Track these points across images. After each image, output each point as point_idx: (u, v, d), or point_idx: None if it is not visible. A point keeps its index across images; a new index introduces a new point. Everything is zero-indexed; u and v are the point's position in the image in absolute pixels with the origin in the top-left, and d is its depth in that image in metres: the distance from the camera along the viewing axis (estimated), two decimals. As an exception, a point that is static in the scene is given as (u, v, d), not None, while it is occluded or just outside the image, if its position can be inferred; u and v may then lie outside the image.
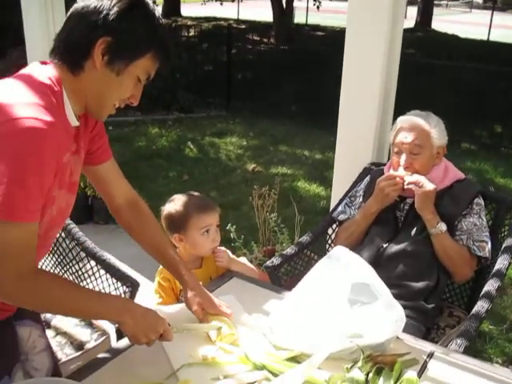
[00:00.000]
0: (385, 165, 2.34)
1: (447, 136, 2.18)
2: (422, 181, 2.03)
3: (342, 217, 2.36)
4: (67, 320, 2.01)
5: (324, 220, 2.45)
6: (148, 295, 2.00)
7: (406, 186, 2.06)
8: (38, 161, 1.16)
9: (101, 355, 1.48)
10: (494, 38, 15.52)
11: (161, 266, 1.90)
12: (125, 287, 1.98)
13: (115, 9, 1.26)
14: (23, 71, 1.31)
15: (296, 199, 4.73)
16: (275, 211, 2.94)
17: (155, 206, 1.87)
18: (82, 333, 1.97)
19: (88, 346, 1.92)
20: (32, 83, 1.25)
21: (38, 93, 1.22)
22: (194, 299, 1.59)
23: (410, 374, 1.41)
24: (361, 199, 2.32)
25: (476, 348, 2.79)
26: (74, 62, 1.29)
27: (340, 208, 2.40)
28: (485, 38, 15.42)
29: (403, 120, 2.17)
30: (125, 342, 1.50)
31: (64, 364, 1.81)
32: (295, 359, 1.46)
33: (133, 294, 1.96)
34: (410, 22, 16.39)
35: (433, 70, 7.45)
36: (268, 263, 2.21)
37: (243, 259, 2.09)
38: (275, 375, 1.40)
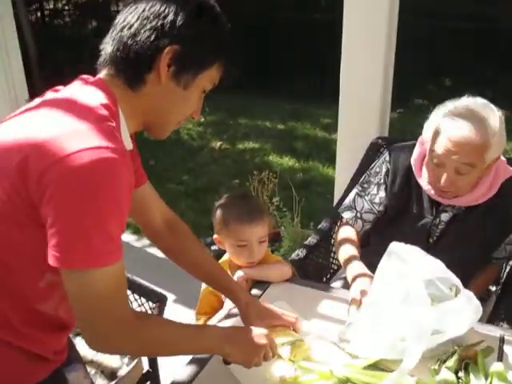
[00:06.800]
0: (404, 141, 1.97)
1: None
2: None
3: (348, 215, 1.92)
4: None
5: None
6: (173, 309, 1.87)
7: None
8: (116, 198, 0.99)
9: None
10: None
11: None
12: (151, 303, 1.83)
13: (183, 13, 1.08)
14: (65, 95, 1.10)
15: (272, 175, 4.62)
16: (276, 195, 2.81)
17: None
18: (111, 359, 1.80)
19: (121, 372, 1.76)
20: (84, 107, 1.05)
21: (94, 117, 1.02)
22: (254, 314, 1.46)
23: (496, 365, 1.35)
24: (375, 191, 1.87)
25: None
26: (134, 74, 1.09)
27: (347, 201, 1.95)
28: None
29: (453, 129, 1.61)
30: (183, 374, 1.36)
31: (102, 397, 1.65)
32: (376, 366, 1.36)
33: (161, 310, 1.81)
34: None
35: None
36: (294, 256, 2.08)
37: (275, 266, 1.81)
38: (361, 388, 1.31)
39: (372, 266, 1.84)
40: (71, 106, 1.04)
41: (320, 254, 2.19)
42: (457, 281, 1.42)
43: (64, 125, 1.00)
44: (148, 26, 1.06)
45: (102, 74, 1.13)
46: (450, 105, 1.69)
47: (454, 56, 6.60)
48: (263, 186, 2.77)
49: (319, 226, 2.27)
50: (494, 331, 1.52)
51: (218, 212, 1.74)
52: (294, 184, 4.32)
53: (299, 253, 2.08)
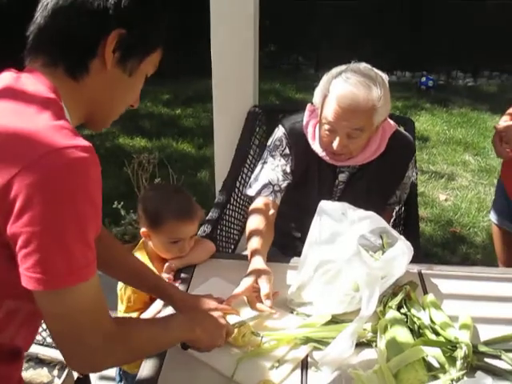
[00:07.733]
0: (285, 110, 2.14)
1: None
2: None
3: (266, 193, 1.86)
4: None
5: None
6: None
7: None
8: (92, 200, 0.90)
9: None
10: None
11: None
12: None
13: None
14: (6, 87, 0.97)
15: (152, 157, 4.41)
16: (157, 176, 2.74)
17: None
18: (40, 374, 1.65)
19: (55, 385, 1.63)
20: (34, 100, 0.93)
21: (50, 113, 0.91)
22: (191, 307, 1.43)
23: (428, 297, 1.50)
24: (283, 161, 1.88)
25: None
26: (76, 61, 0.98)
27: (261, 181, 1.88)
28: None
29: (341, 96, 1.67)
30: (147, 369, 1.30)
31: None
32: (331, 321, 1.44)
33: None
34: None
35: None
36: (200, 233, 2.06)
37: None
38: (322, 343, 1.37)
39: (281, 232, 1.92)
40: (20, 100, 0.92)
41: (223, 227, 2.20)
42: (388, 228, 1.54)
43: (16, 123, 0.89)
44: (90, 7, 0.96)
45: (34, 63, 0.99)
46: (337, 70, 1.76)
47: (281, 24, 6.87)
48: (143, 168, 2.68)
49: (216, 199, 2.27)
50: (411, 268, 1.67)
51: (149, 206, 1.65)
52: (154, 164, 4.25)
53: (205, 229, 2.06)
